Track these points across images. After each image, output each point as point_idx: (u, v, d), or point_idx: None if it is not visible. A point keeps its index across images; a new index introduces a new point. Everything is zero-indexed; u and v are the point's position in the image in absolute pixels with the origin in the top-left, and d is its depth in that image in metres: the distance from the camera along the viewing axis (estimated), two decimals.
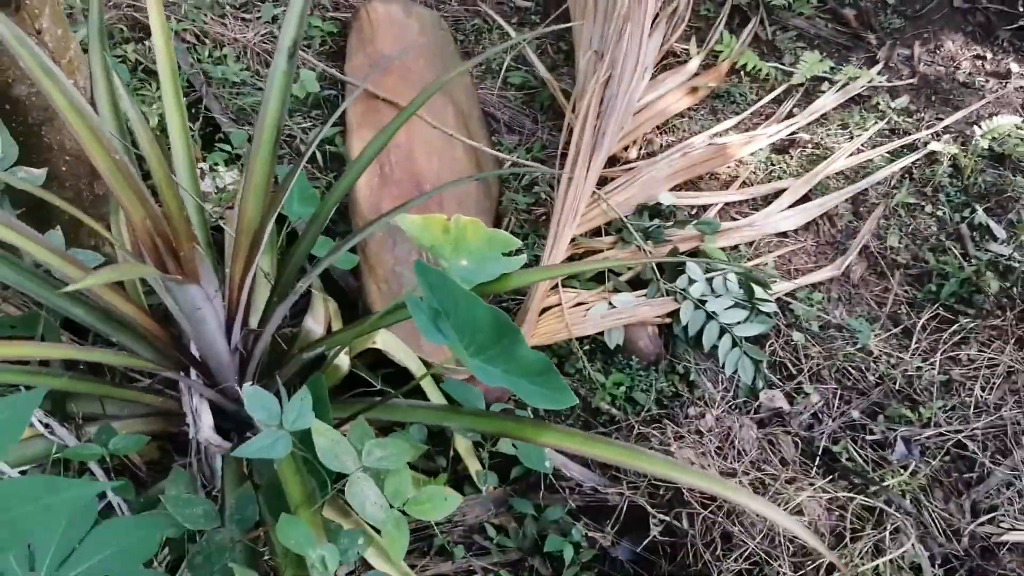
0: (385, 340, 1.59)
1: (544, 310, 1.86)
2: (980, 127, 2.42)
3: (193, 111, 2.05)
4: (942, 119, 2.66)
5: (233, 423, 1.52)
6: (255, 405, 1.16)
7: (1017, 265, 2.14)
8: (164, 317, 1.49)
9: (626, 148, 2.28)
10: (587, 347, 1.92)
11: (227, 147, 1.92)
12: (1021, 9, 3.17)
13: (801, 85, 2.63)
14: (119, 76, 1.34)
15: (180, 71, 2.10)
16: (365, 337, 1.56)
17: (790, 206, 2.24)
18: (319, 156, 2.09)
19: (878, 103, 2.60)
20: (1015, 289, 2.14)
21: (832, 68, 2.68)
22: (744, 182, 2.29)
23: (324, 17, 2.45)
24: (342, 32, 2.42)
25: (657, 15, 2.56)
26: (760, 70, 2.61)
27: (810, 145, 2.41)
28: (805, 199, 2.27)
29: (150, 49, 2.16)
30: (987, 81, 2.91)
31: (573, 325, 1.83)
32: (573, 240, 1.97)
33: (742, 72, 2.62)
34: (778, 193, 2.27)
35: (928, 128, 2.54)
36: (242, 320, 1.44)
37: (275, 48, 2.28)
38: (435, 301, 1.16)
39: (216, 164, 1.86)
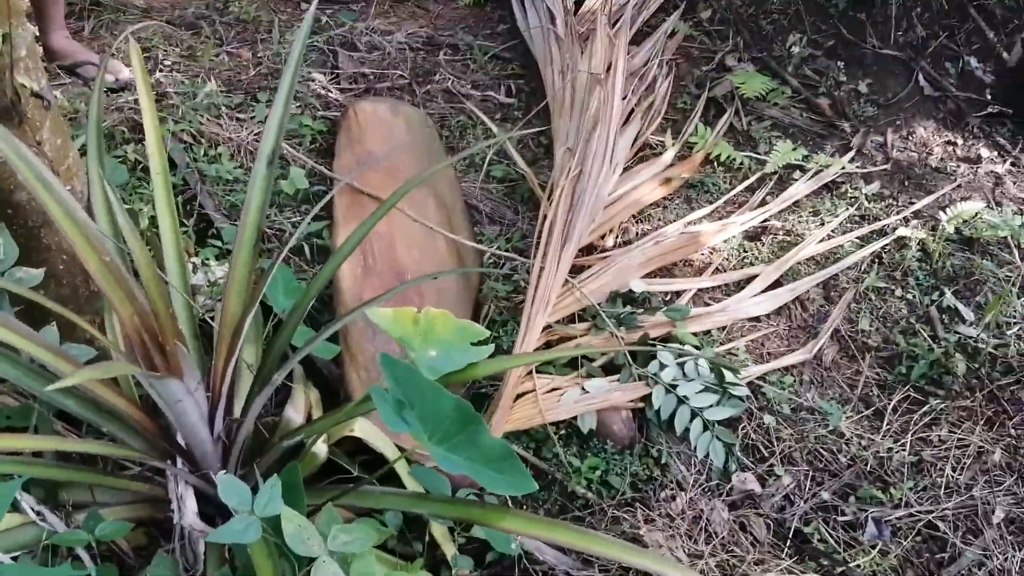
0: (363, 427, 1.66)
1: (519, 396, 1.93)
2: (946, 212, 2.51)
3: (188, 207, 2.16)
4: (915, 203, 2.76)
5: (217, 509, 1.58)
6: (228, 492, 1.23)
7: (985, 347, 2.21)
8: (153, 408, 1.57)
9: (603, 237, 2.38)
10: (563, 432, 1.98)
11: (218, 243, 2.03)
12: (988, 97, 3.30)
13: (774, 173, 2.74)
14: (110, 189, 1.44)
15: (176, 170, 2.23)
16: (343, 425, 1.62)
17: (762, 291, 2.32)
18: (307, 249, 2.19)
19: (847, 190, 2.70)
20: (983, 370, 2.20)
21: (805, 156, 2.79)
22: (717, 268, 2.37)
23: (315, 116, 2.59)
24: (331, 131, 2.55)
25: (632, 110, 2.69)
26: (734, 159, 2.73)
27: (781, 232, 2.51)
28: (777, 284, 2.36)
29: None
30: (958, 166, 3.02)
31: (547, 411, 1.90)
32: (548, 327, 2.05)
33: (716, 162, 2.73)
34: (750, 279, 2.35)
35: (898, 213, 2.64)
36: (225, 410, 1.51)
37: None
38: (400, 392, 1.24)
39: (208, 259, 1.96)
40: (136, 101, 2.47)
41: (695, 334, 2.17)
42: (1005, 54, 3.39)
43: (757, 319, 2.30)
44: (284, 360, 1.64)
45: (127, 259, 1.46)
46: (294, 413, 1.69)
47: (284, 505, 1.23)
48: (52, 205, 1.29)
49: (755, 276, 2.35)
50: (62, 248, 1.58)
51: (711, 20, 3.42)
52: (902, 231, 2.49)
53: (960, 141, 3.15)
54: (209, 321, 1.73)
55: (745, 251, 2.45)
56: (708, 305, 2.28)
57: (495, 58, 3.12)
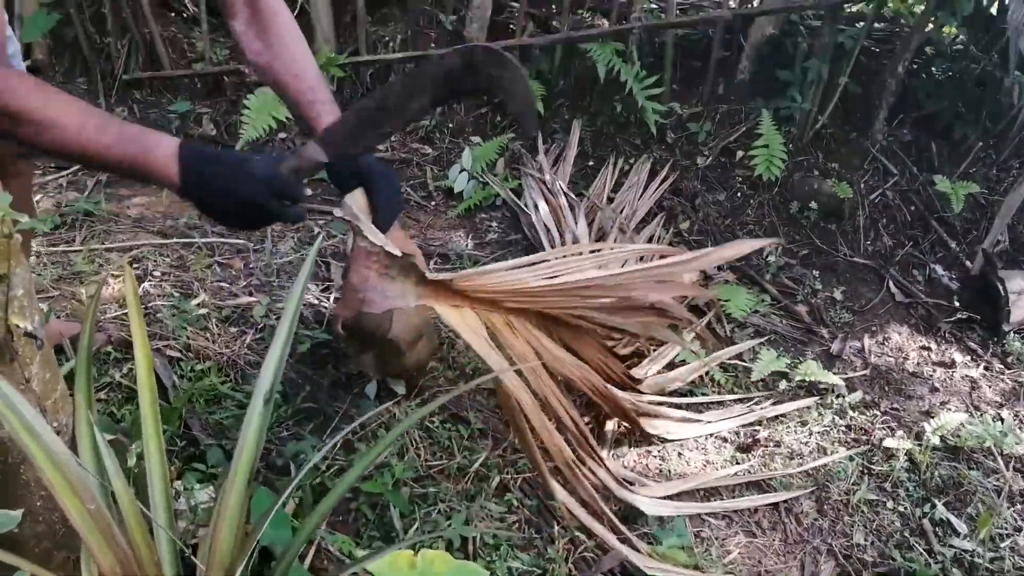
0: None
1: None
2: (930, 423, 2.53)
3: (177, 425, 2.13)
4: (897, 410, 2.79)
5: None
6: None
7: (981, 561, 2.17)
8: None
9: None
10: None
11: (202, 466, 1.98)
12: (956, 303, 3.41)
13: (761, 381, 2.77)
14: (97, 430, 1.42)
15: (162, 389, 2.21)
16: None
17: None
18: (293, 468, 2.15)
19: (833, 400, 2.73)
20: None
21: (789, 364, 2.84)
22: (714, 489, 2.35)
23: (308, 326, 2.62)
24: (325, 343, 2.57)
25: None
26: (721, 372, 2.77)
27: (771, 443, 2.51)
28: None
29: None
30: (935, 371, 3.08)
31: None
32: None
33: (705, 375, 2.76)
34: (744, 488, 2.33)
35: (883, 423, 2.66)
36: None
37: (258, 359, 2.46)
38: None
39: (191, 485, 1.91)
40: (122, 317, 2.49)
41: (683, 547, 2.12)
42: (968, 263, 3.55)
43: (753, 534, 2.26)
44: None
45: (110, 497, 1.43)
46: None
47: None
48: (35, 451, 1.26)
49: (747, 487, 2.32)
50: (41, 484, 1.53)
51: (690, 230, 3.57)
52: (889, 442, 2.50)
53: (934, 346, 3.23)
54: (193, 559, 1.66)
55: (737, 463, 2.44)
56: (703, 521, 2.24)
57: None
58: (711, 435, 2.52)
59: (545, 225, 3.33)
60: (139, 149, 1.39)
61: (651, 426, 2.40)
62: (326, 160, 1.58)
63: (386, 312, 2.00)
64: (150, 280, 2.72)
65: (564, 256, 2.01)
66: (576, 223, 3.31)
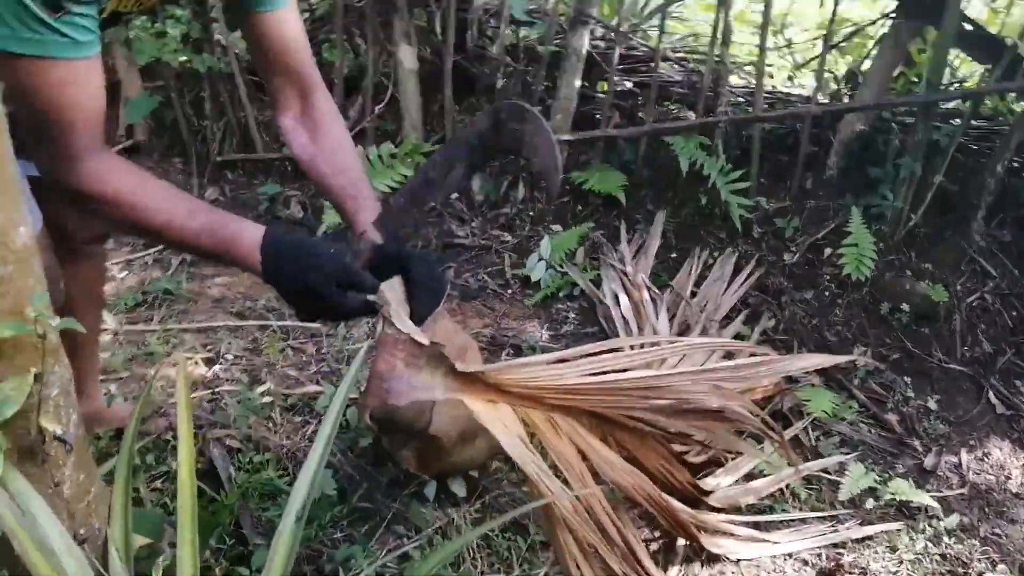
0: None
1: None
2: None
3: (228, 521, 2.09)
4: (998, 536, 2.59)
5: None
6: None
7: None
8: None
9: None
10: None
11: (246, 570, 1.92)
12: None
13: (849, 499, 2.61)
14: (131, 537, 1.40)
15: (218, 481, 2.17)
16: None
17: None
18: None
19: (926, 524, 2.55)
20: None
21: (878, 480, 2.68)
22: None
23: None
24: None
25: None
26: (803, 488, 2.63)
27: (856, 570, 2.34)
28: None
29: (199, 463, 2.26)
30: None
31: None
32: None
33: (786, 488, 2.62)
34: None
35: (982, 552, 2.47)
36: None
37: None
38: None
39: None
40: (194, 399, 2.50)
41: None
42: None
43: None
44: None
45: None
46: None
47: None
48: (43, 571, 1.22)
49: None
50: None
51: (775, 329, 3.45)
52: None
53: None
54: None
55: None
56: None
57: None
58: (790, 556, 2.37)
59: (623, 317, 3.27)
60: (227, 235, 1.46)
61: (715, 544, 2.27)
62: (380, 242, 1.61)
63: (426, 403, 1.93)
64: (221, 363, 2.74)
65: (608, 351, 1.87)
66: (657, 316, 3.24)
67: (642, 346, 2.22)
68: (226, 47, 3.90)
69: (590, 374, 1.80)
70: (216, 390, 2.57)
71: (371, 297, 1.57)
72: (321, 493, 2.13)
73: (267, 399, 2.55)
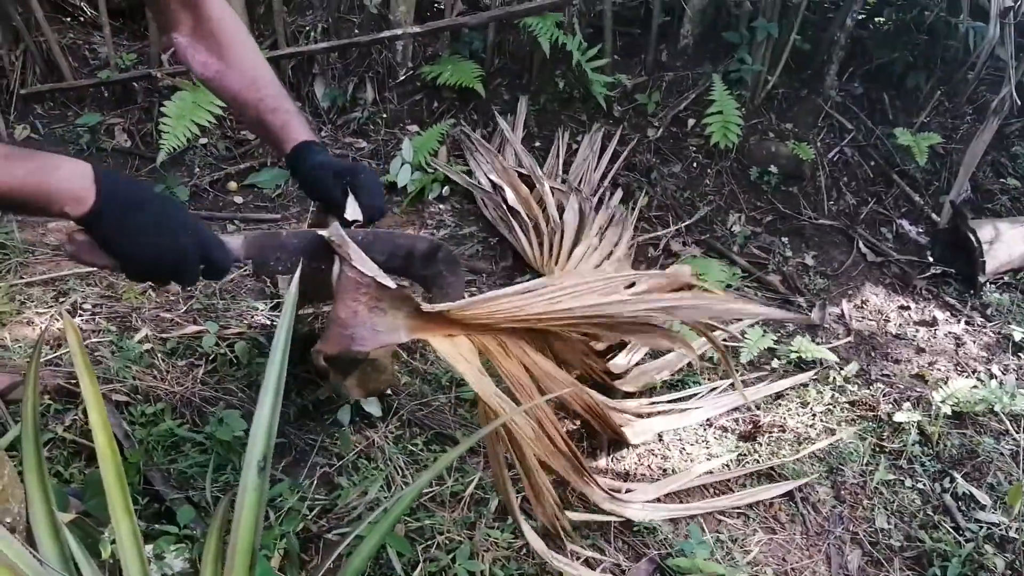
0: None
1: None
2: (937, 392, 2.43)
3: (137, 480, 1.87)
4: (889, 376, 2.69)
5: None
6: None
7: (1019, 536, 2.07)
8: None
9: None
10: None
11: (173, 527, 1.73)
12: (929, 259, 3.33)
13: (750, 363, 2.63)
14: (56, 510, 1.18)
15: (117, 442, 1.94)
16: None
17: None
18: None
19: (829, 373, 2.60)
20: (1018, 561, 2.04)
21: (776, 340, 2.70)
22: (723, 485, 2.19)
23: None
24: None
25: None
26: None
27: (775, 429, 2.36)
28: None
29: (85, 424, 2.00)
30: (917, 331, 3.00)
31: None
32: None
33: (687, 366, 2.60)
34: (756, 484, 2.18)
35: (884, 395, 2.54)
36: None
37: (214, 395, 2.20)
38: None
39: (163, 550, 1.66)
40: (56, 360, 2.20)
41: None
42: (934, 215, 3.47)
43: (772, 530, 2.11)
44: None
45: None
46: None
47: None
48: None
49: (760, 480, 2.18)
50: None
51: (649, 206, 3.41)
52: (899, 416, 2.38)
53: (912, 305, 3.14)
54: None
55: (744, 454, 2.29)
56: (719, 521, 2.09)
57: None
58: (711, 425, 2.37)
59: (511, 208, 3.10)
60: (41, 172, 1.17)
61: (637, 435, 2.23)
62: (241, 259, 1.48)
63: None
64: (80, 315, 2.42)
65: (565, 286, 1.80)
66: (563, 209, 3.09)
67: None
68: None
69: (550, 303, 1.71)
70: (85, 343, 2.26)
71: (323, 233, 1.50)
72: (231, 436, 1.93)
73: (146, 346, 2.27)
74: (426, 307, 1.53)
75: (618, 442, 2.22)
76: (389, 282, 1.46)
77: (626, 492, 2.06)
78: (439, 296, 1.62)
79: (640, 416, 2.28)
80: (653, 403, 2.35)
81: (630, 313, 1.73)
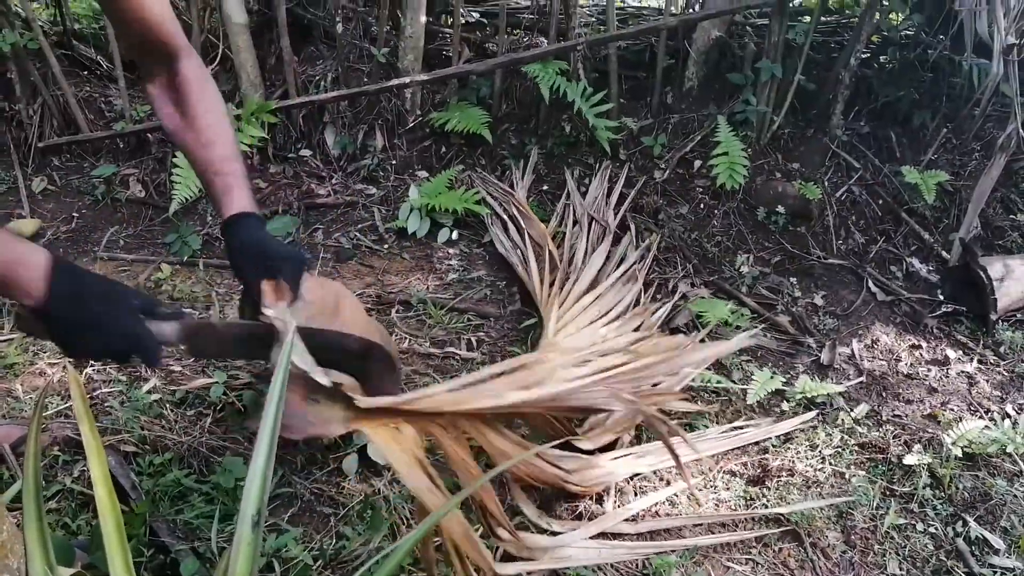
0: None
1: None
2: (948, 434, 2.40)
3: (142, 531, 1.87)
4: (900, 417, 2.66)
5: None
6: None
7: None
8: None
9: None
10: None
11: None
12: (940, 297, 3.31)
13: (759, 404, 2.61)
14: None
15: (121, 491, 1.95)
16: None
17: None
18: None
19: (839, 415, 2.58)
20: None
21: (784, 382, 2.69)
22: (723, 525, 2.17)
23: None
24: None
25: None
26: (714, 388, 2.60)
27: (783, 472, 2.34)
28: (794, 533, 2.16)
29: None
30: (929, 370, 2.97)
31: None
32: None
33: (697, 399, 2.60)
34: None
35: (895, 436, 2.51)
36: None
37: (222, 445, 2.21)
38: None
39: None
40: (66, 412, 2.23)
41: None
42: (944, 253, 3.45)
43: None
44: None
45: None
46: None
47: None
48: None
49: (768, 524, 2.15)
50: None
51: (658, 247, 3.41)
52: (908, 459, 2.35)
53: (924, 344, 3.12)
54: None
55: (752, 499, 2.26)
56: (726, 568, 2.06)
57: (452, 311, 2.99)
58: (720, 470, 2.35)
59: (524, 256, 3.13)
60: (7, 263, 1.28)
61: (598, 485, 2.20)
62: (182, 345, 1.51)
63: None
64: (92, 366, 2.45)
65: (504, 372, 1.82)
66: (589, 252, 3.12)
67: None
68: (28, 20, 3.45)
69: (493, 397, 1.72)
70: (94, 393, 2.29)
71: (272, 319, 1.51)
72: (233, 482, 1.94)
73: (155, 396, 2.30)
74: (361, 402, 1.53)
75: (622, 491, 2.20)
76: (323, 379, 1.47)
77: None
78: (373, 391, 1.60)
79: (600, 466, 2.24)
80: (626, 455, 2.31)
81: (575, 400, 1.74)
